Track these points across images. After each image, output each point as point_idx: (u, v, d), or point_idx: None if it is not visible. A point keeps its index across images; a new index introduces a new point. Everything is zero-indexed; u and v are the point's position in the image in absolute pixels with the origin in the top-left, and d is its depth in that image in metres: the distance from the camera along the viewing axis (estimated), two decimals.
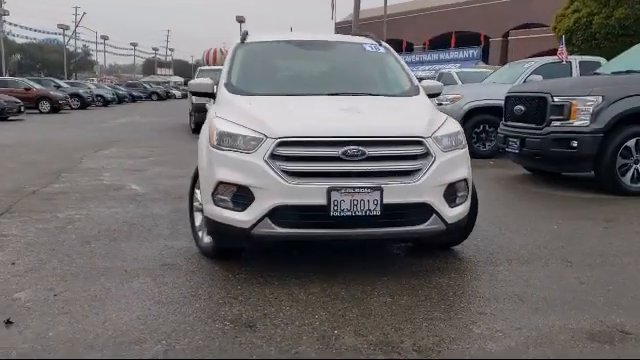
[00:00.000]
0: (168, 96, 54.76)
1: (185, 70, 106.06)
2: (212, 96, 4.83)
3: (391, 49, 5.42)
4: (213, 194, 3.85)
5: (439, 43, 50.66)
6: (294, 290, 3.67)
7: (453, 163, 3.89)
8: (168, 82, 72.81)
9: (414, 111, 4.27)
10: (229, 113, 4.12)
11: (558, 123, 7.23)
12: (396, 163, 3.71)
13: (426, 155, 3.77)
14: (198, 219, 4.50)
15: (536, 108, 7.55)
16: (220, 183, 3.80)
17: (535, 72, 11.04)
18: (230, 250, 4.23)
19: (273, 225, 3.65)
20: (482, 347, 2.89)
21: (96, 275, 3.93)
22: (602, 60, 11.61)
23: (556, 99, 7.27)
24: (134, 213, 5.81)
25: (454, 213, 3.91)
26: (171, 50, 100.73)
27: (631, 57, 8.50)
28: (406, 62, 5.40)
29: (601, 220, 5.73)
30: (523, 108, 7.84)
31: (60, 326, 3.10)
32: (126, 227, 5.24)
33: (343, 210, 3.59)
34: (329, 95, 4.45)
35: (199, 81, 4.97)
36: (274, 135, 3.67)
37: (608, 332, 3.08)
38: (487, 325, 3.16)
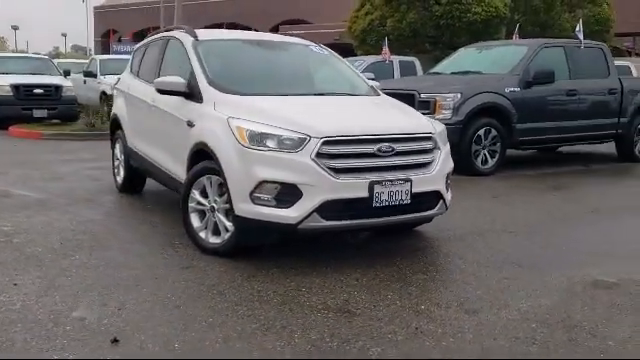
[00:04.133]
0: None
1: None
2: (184, 95, 4.74)
3: (331, 51, 5.83)
4: (252, 193, 3.93)
5: None
6: (339, 277, 3.94)
7: (448, 155, 4.54)
8: None
9: (407, 110, 4.81)
10: (244, 113, 4.19)
11: None
12: (417, 156, 4.24)
13: (435, 149, 4.35)
14: (195, 220, 4.46)
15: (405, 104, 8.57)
16: (262, 182, 3.90)
17: (366, 70, 12.26)
18: (249, 247, 4.30)
19: (321, 219, 3.91)
20: (594, 298, 3.66)
21: (131, 286, 3.72)
22: (415, 60, 13.36)
23: (422, 96, 8.39)
24: (68, 221, 5.31)
25: (450, 197, 4.57)
26: None
27: (461, 60, 10.09)
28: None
29: (488, 197, 6.91)
30: None
31: (171, 338, 3.01)
32: (83, 235, 4.84)
33: (382, 201, 4.01)
34: (319, 95, 4.77)
35: (170, 79, 4.83)
36: (319, 135, 3.91)
37: None
38: (566, 281, 3.93)
